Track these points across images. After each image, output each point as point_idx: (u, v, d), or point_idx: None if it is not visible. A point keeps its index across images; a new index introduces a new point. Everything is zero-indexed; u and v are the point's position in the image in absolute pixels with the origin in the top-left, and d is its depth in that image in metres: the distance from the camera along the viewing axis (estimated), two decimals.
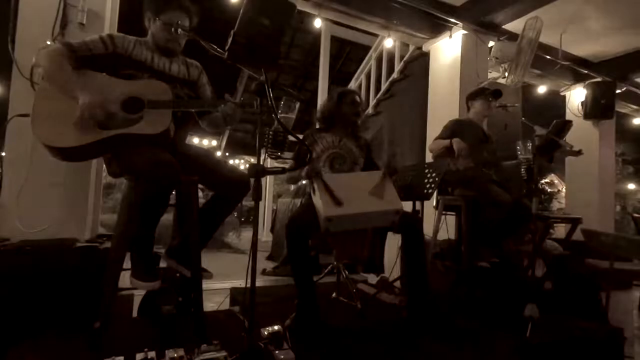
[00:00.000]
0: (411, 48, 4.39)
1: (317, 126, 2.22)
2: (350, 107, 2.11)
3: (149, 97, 1.51)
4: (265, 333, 1.38)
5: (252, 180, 1.28)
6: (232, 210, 1.82)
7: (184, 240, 1.64)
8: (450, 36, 3.64)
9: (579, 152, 2.39)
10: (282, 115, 1.55)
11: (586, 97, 4.71)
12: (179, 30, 1.61)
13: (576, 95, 4.96)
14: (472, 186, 2.40)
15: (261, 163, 1.30)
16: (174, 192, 1.68)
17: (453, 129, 2.56)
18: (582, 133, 4.74)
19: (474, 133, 2.59)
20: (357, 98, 2.15)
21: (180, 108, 1.62)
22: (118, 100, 1.50)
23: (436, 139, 2.60)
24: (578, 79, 4.81)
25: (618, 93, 4.67)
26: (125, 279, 1.55)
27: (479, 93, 2.70)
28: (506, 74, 3.67)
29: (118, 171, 1.59)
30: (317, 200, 1.63)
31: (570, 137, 2.37)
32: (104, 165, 1.67)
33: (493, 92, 2.64)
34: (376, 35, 4.70)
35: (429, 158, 2.88)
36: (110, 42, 1.58)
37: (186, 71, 1.78)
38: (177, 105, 1.59)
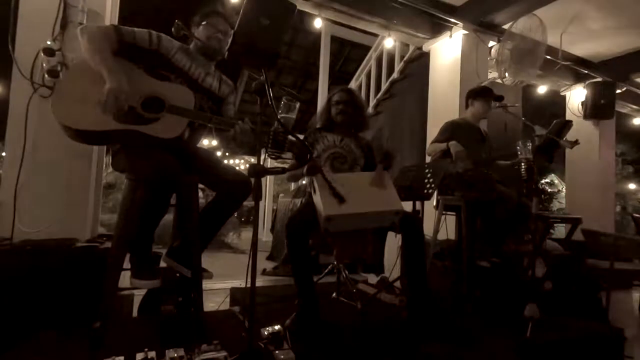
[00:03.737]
0: (411, 48, 4.39)
1: (318, 123, 2.22)
2: (335, 107, 2.10)
3: (171, 101, 1.53)
4: (265, 333, 1.38)
5: (252, 180, 1.28)
6: (234, 212, 1.83)
7: (185, 241, 1.64)
8: (450, 36, 3.64)
9: (575, 142, 2.38)
10: (282, 115, 1.54)
11: (586, 97, 4.71)
12: (220, 35, 1.74)
13: (576, 95, 4.96)
14: (476, 187, 2.39)
15: (261, 163, 1.30)
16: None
17: (449, 132, 2.55)
18: (582, 133, 4.71)
19: (470, 134, 2.58)
20: (343, 96, 2.11)
21: (198, 120, 1.63)
22: (141, 96, 1.50)
23: (433, 142, 2.60)
24: (578, 79, 4.81)
25: (618, 93, 4.68)
26: (125, 279, 1.55)
27: (481, 93, 2.67)
28: (506, 74, 3.68)
29: (121, 167, 1.60)
30: (317, 199, 1.62)
31: (570, 137, 2.37)
32: (104, 164, 1.68)
33: (496, 97, 2.63)
34: (376, 35, 4.70)
35: (429, 158, 2.87)
36: (157, 40, 1.62)
37: (218, 86, 1.82)
38: (195, 116, 1.60)
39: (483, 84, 3.41)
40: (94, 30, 1.53)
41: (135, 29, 1.60)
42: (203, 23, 1.75)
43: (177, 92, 1.57)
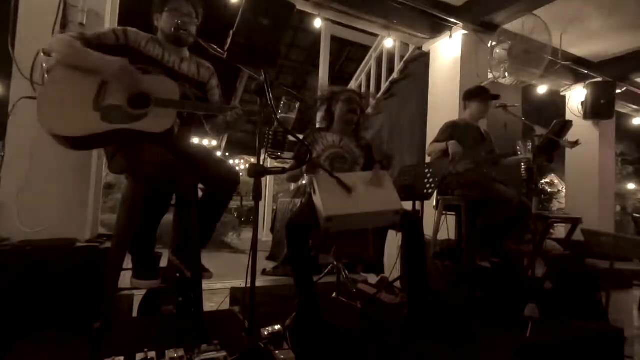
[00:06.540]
0: (411, 48, 4.39)
1: (318, 123, 2.22)
2: (346, 104, 2.10)
3: (156, 94, 1.50)
4: (265, 333, 1.38)
5: (247, 177, 1.28)
6: (225, 207, 1.78)
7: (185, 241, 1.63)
8: (450, 36, 3.64)
9: (575, 143, 2.38)
10: (282, 115, 1.54)
11: (586, 97, 4.71)
12: (185, 19, 1.65)
13: (576, 95, 4.96)
14: (476, 187, 2.39)
15: (261, 163, 1.30)
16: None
17: (449, 132, 2.55)
18: (582, 133, 4.71)
19: (470, 134, 2.59)
20: (354, 96, 2.13)
21: (187, 109, 1.61)
22: (125, 93, 1.48)
23: (433, 142, 2.60)
24: (578, 79, 4.81)
25: (618, 93, 4.67)
26: (125, 279, 1.55)
27: (477, 94, 2.68)
28: (506, 74, 3.67)
29: (119, 169, 1.58)
30: (318, 200, 1.62)
31: (570, 137, 2.38)
32: (104, 164, 1.67)
33: (492, 97, 2.63)
34: (376, 35, 4.70)
35: (429, 158, 2.87)
36: (123, 35, 1.59)
37: (196, 71, 1.78)
38: (184, 106, 1.57)
39: (483, 84, 3.41)
40: (60, 37, 1.53)
41: (99, 31, 1.58)
42: (165, 9, 1.67)
43: (161, 84, 1.53)
